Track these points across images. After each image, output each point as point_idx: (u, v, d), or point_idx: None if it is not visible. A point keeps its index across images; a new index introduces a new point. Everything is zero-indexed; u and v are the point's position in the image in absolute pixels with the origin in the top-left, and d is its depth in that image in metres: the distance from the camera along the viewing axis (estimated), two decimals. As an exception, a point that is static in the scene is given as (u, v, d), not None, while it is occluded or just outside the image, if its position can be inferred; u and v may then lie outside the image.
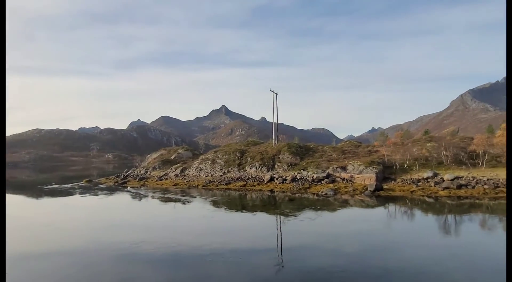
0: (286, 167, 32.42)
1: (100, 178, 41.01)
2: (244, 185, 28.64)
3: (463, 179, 24.25)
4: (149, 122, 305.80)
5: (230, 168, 34.89)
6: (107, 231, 13.99)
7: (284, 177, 28.83)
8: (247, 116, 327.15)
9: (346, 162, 29.82)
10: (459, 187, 22.37)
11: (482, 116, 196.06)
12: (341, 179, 26.99)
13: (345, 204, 20.06)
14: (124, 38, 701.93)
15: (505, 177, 23.81)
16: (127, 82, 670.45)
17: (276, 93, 47.97)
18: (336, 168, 28.66)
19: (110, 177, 40.16)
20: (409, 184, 24.43)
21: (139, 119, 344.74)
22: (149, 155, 55.22)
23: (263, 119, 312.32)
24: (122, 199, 25.96)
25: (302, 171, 30.28)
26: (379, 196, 21.52)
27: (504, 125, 33.81)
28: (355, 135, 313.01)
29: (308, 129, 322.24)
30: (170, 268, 9.00)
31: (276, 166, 33.23)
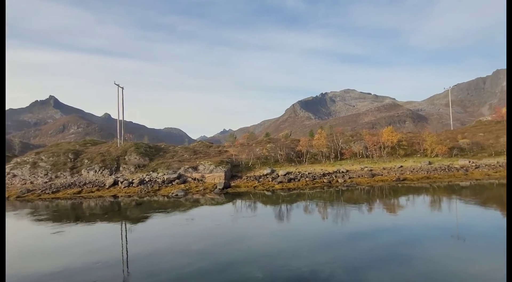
0: (133, 169, 30.13)
1: None
2: (79, 192, 24.57)
3: (292, 173, 30.03)
4: None
5: (59, 173, 29.06)
6: None
7: (130, 180, 26.70)
8: (86, 111, 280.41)
9: (197, 162, 30.85)
10: (289, 180, 27.59)
11: (307, 123, 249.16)
12: (192, 179, 27.69)
13: (196, 203, 20.74)
14: None
15: (320, 170, 31.37)
16: None
17: (122, 88, 43.84)
18: (188, 168, 29.18)
19: None
20: (252, 180, 28.01)
21: None
22: None
23: (107, 116, 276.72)
24: None
25: (151, 172, 29.00)
26: (227, 193, 23.56)
27: (320, 130, 44.47)
28: (208, 136, 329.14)
29: (160, 129, 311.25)
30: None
31: (121, 168, 30.31)
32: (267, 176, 29.18)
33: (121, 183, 26.21)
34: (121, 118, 43.29)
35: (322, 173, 29.91)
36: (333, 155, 38.35)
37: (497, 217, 15.16)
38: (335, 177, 28.91)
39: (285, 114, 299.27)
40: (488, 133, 45.62)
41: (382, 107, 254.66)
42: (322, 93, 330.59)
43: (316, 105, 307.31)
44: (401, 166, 33.19)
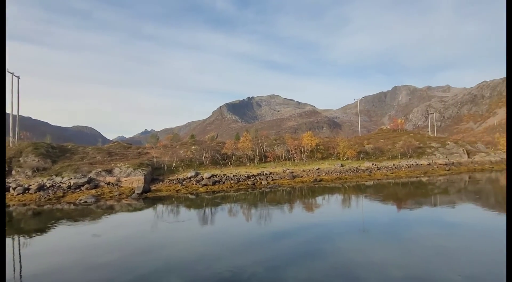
0: (30, 173, 25.88)
1: None
2: None
3: (217, 176, 29.91)
4: None
5: None
6: None
7: (26, 186, 22.83)
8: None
9: (112, 165, 28.20)
10: (214, 183, 27.40)
11: (233, 125, 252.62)
12: (106, 183, 25.16)
13: (109, 210, 18.82)
14: None
15: (245, 173, 31.99)
16: None
17: (18, 77, 37.49)
18: (101, 171, 26.42)
19: None
20: (175, 183, 26.92)
21: None
22: None
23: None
24: None
25: (54, 176, 25.33)
26: (147, 198, 22.09)
27: (245, 133, 45.51)
28: (127, 137, 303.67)
29: (68, 127, 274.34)
30: None
31: (14, 172, 25.72)
32: (191, 178, 28.43)
33: (13, 189, 22.13)
34: (15, 112, 36.76)
35: (246, 175, 30.60)
36: (258, 157, 39.67)
37: (393, 210, 17.84)
38: (259, 179, 29.91)
39: (212, 116, 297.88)
40: (387, 140, 53.54)
41: (303, 114, 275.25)
42: (249, 97, 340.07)
43: (243, 108, 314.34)
44: (318, 168, 36.32)
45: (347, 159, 42.40)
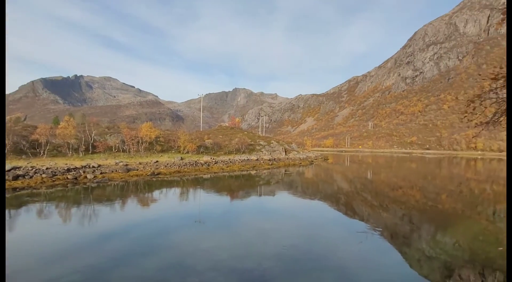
0: None
1: None
2: None
3: (22, 169, 23.78)
4: None
5: None
6: None
7: None
8: None
9: None
10: (16, 178, 21.61)
11: (52, 107, 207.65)
12: None
13: None
14: None
15: (65, 165, 26.81)
16: None
17: None
18: None
19: None
20: None
21: None
22: None
23: None
24: None
25: None
26: None
27: (68, 117, 38.20)
28: None
29: None
30: None
31: None
32: (-23, 172, 21.14)
33: None
34: None
35: (66, 168, 25.78)
36: (84, 147, 34.31)
37: (227, 201, 19.61)
38: (84, 172, 25.88)
39: (18, 92, 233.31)
40: (225, 136, 58.51)
41: (144, 103, 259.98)
42: (76, 76, 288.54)
43: (67, 88, 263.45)
44: (157, 161, 35.25)
45: (187, 152, 43.34)
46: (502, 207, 18.86)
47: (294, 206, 18.18)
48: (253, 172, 36.59)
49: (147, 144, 40.34)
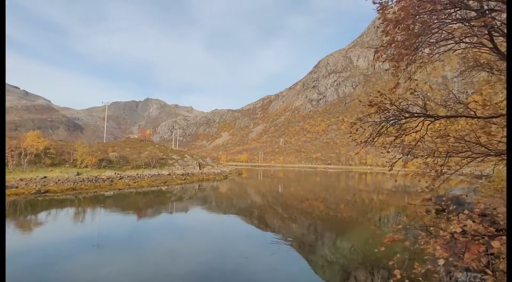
0: None
1: None
2: None
3: None
4: None
5: None
6: None
7: None
8: None
9: None
10: None
11: None
12: None
13: None
14: None
15: None
16: None
17: None
18: None
19: None
20: None
21: None
22: None
23: None
24: None
25: None
26: None
27: None
28: None
29: None
30: None
31: None
32: None
33: None
34: None
35: None
36: None
37: (132, 220, 17.92)
38: None
39: None
40: (133, 149, 54.33)
41: (32, 108, 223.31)
42: None
43: None
44: (45, 177, 30.19)
45: (86, 166, 38.49)
46: (386, 213, 22.26)
47: (207, 222, 17.78)
48: (164, 188, 34.65)
49: (33, 156, 34.30)
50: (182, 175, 48.49)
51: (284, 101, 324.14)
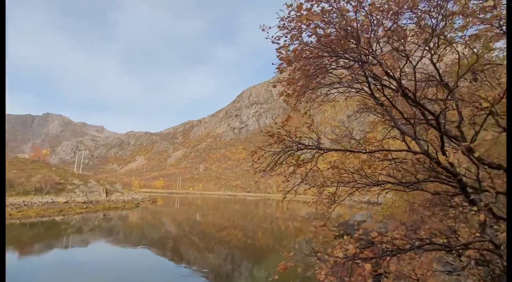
0: None
1: None
2: None
3: None
4: None
5: None
6: None
7: None
8: None
9: None
10: None
11: None
12: None
13: None
14: None
15: None
16: None
17: None
18: None
19: None
20: None
21: None
22: None
23: None
24: None
25: None
26: None
27: None
28: None
29: None
30: None
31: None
32: None
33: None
34: None
35: None
36: None
37: (11, 259, 14.60)
38: None
39: None
40: (21, 172, 46.14)
41: None
42: None
43: None
44: None
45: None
46: (301, 239, 23.16)
47: (111, 257, 15.65)
48: (58, 218, 29.76)
49: None
50: (84, 202, 42.73)
51: (206, 128, 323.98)
